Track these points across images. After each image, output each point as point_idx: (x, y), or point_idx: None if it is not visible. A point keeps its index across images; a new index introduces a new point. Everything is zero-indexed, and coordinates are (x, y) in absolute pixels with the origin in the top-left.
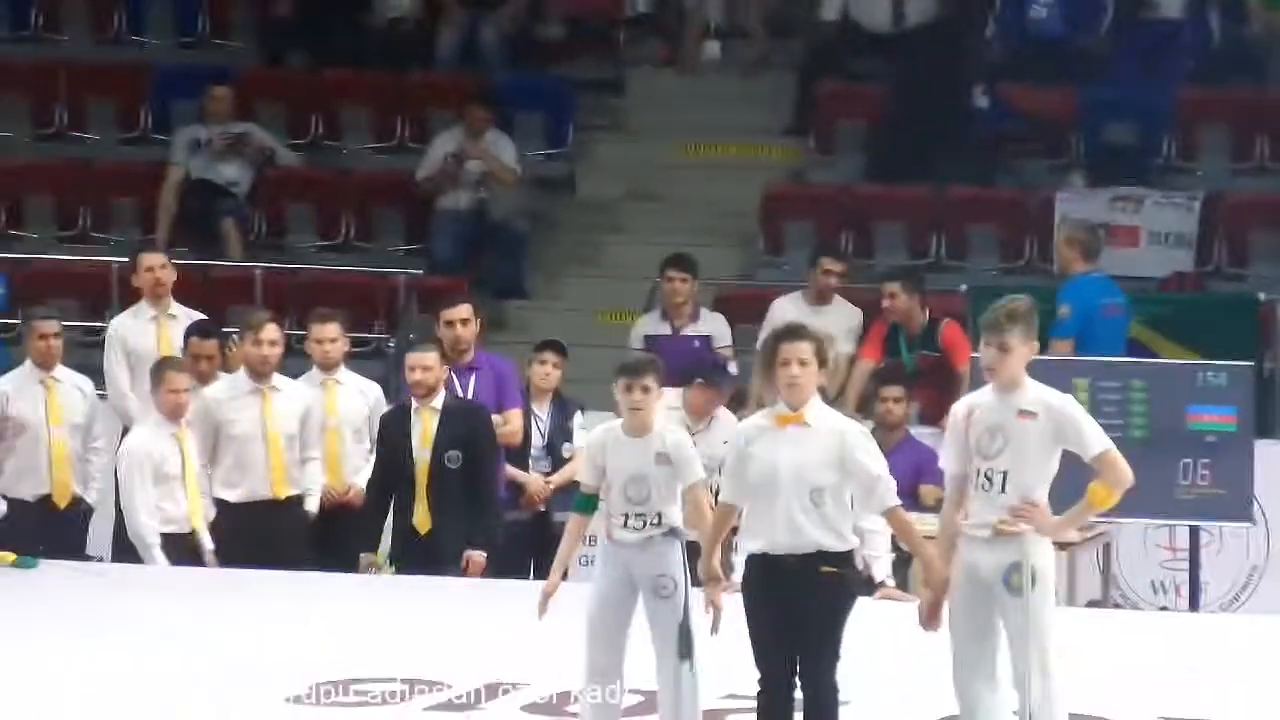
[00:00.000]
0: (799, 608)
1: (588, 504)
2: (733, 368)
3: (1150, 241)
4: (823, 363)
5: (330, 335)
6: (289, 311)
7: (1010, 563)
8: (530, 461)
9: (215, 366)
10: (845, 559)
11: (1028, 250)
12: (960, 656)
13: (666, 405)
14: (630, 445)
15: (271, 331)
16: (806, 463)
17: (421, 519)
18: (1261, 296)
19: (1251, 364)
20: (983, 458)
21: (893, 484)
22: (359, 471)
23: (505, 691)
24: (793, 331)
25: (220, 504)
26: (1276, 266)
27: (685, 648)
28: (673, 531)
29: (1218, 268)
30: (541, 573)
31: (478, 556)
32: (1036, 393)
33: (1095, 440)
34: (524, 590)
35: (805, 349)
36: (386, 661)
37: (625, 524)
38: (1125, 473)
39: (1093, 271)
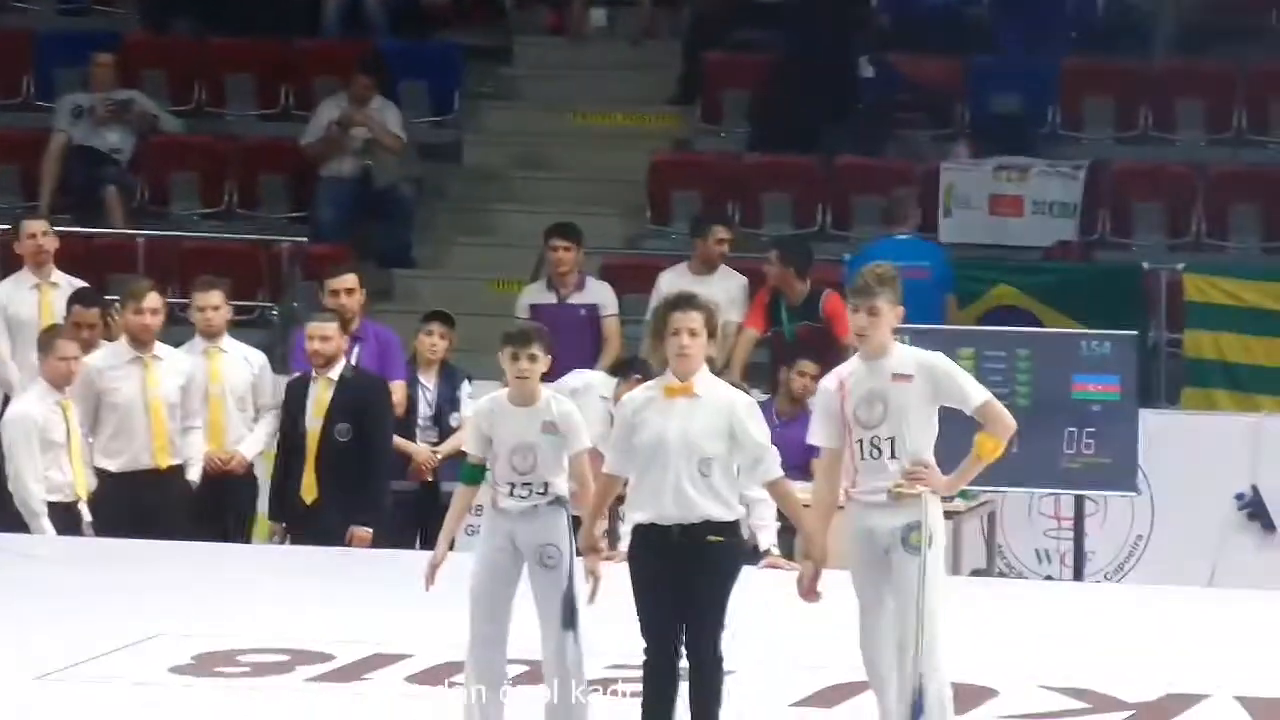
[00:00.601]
0: (686, 577)
1: (474, 474)
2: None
3: (1034, 211)
4: (712, 333)
5: (213, 303)
6: (172, 279)
7: (907, 522)
8: (417, 432)
9: (97, 335)
10: (732, 529)
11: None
12: (868, 627)
13: (599, 395)
14: (516, 414)
15: (153, 300)
16: (695, 433)
17: (308, 489)
18: (1145, 265)
19: (1135, 333)
20: (864, 427)
21: (778, 455)
22: (242, 440)
23: (389, 663)
24: (684, 301)
25: (101, 474)
26: (1160, 236)
27: (569, 617)
28: (558, 500)
29: (1102, 237)
30: (428, 543)
31: (362, 532)
32: (907, 354)
33: (975, 392)
34: (410, 561)
35: (696, 319)
36: (270, 632)
37: (511, 493)
38: (1009, 420)
39: (899, 234)
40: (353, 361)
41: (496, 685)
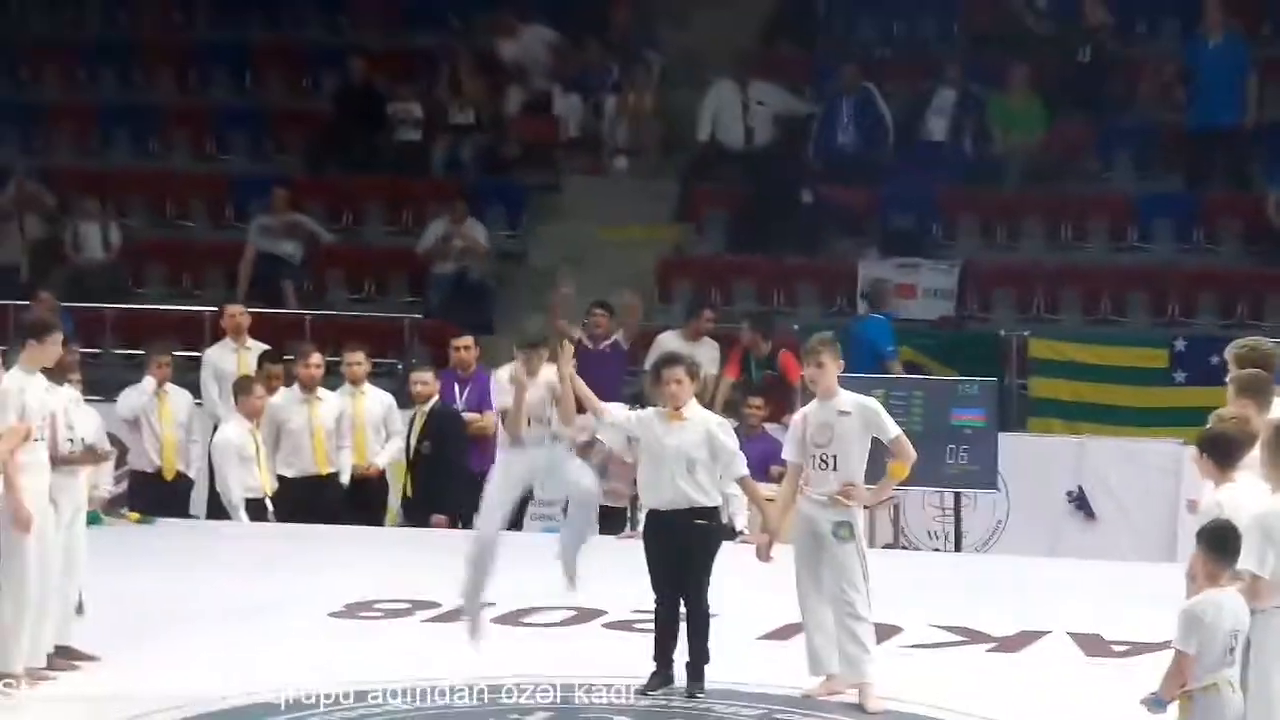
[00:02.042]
0: (681, 549)
1: None
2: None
3: (924, 294)
4: (693, 378)
5: (358, 359)
6: (329, 345)
7: (838, 520)
8: None
9: (279, 383)
10: (713, 513)
11: (839, 300)
12: (801, 582)
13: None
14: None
15: (316, 359)
16: (684, 443)
17: (407, 488)
18: (1001, 333)
19: (995, 379)
20: (816, 446)
21: (743, 458)
22: (377, 455)
23: (483, 609)
24: (671, 360)
25: (281, 479)
26: (1013, 311)
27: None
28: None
29: (971, 313)
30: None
31: (438, 518)
32: (849, 398)
33: (891, 427)
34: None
35: (680, 371)
36: (396, 588)
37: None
38: (911, 451)
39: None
40: (464, 394)
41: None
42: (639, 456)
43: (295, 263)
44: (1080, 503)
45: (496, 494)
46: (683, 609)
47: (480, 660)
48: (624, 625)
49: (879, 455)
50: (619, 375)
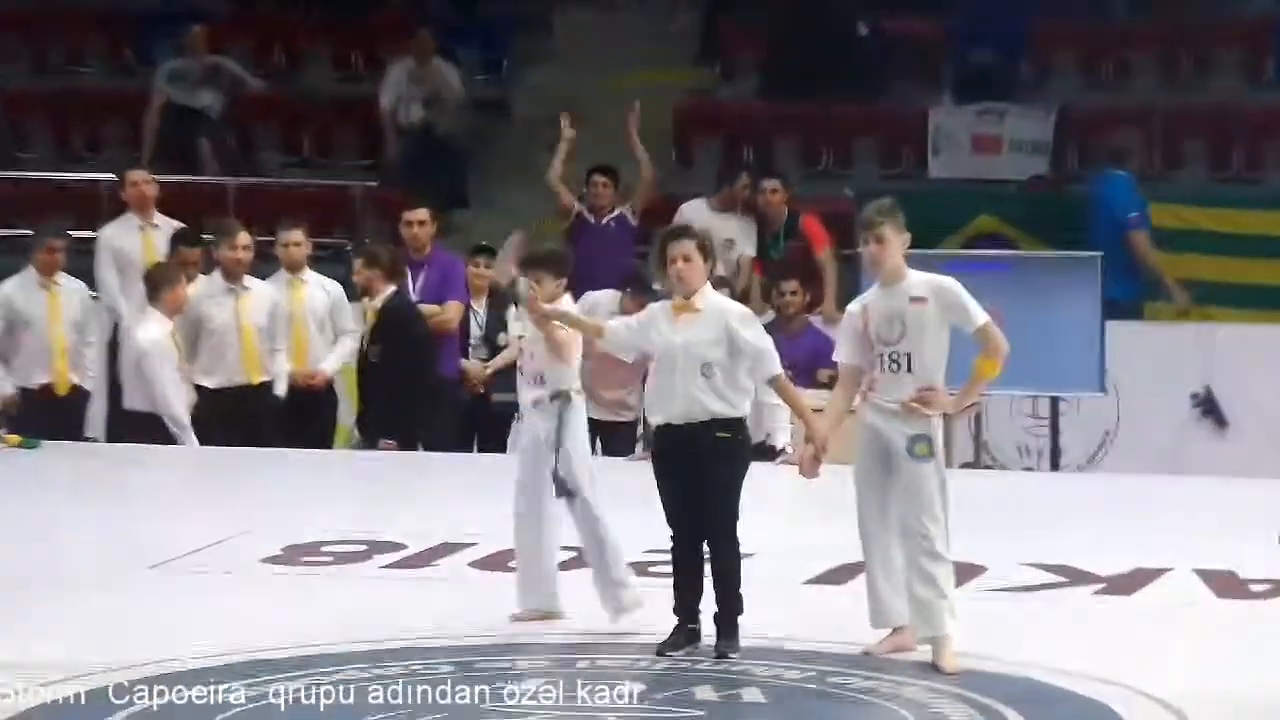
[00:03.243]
0: (698, 470)
1: None
2: (657, 285)
3: (1011, 149)
4: (706, 256)
5: (295, 239)
6: (258, 221)
7: (914, 434)
8: (469, 350)
9: (196, 271)
10: (737, 425)
11: (904, 159)
12: (864, 508)
13: (606, 311)
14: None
15: (244, 238)
16: (697, 342)
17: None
18: None
19: (1099, 254)
20: (885, 344)
21: (775, 355)
22: (322, 360)
23: (455, 551)
24: (678, 232)
25: (200, 390)
26: (1121, 169)
27: (561, 488)
28: (558, 396)
29: (1069, 172)
30: (484, 448)
31: (385, 442)
32: (921, 279)
33: (977, 314)
34: (468, 463)
35: (689, 246)
36: (349, 526)
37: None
38: (1003, 342)
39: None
40: (419, 283)
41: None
42: (623, 329)
43: (215, 117)
44: (1209, 407)
45: (518, 472)
46: (706, 548)
47: (459, 615)
48: (635, 569)
49: (957, 350)
50: (627, 256)
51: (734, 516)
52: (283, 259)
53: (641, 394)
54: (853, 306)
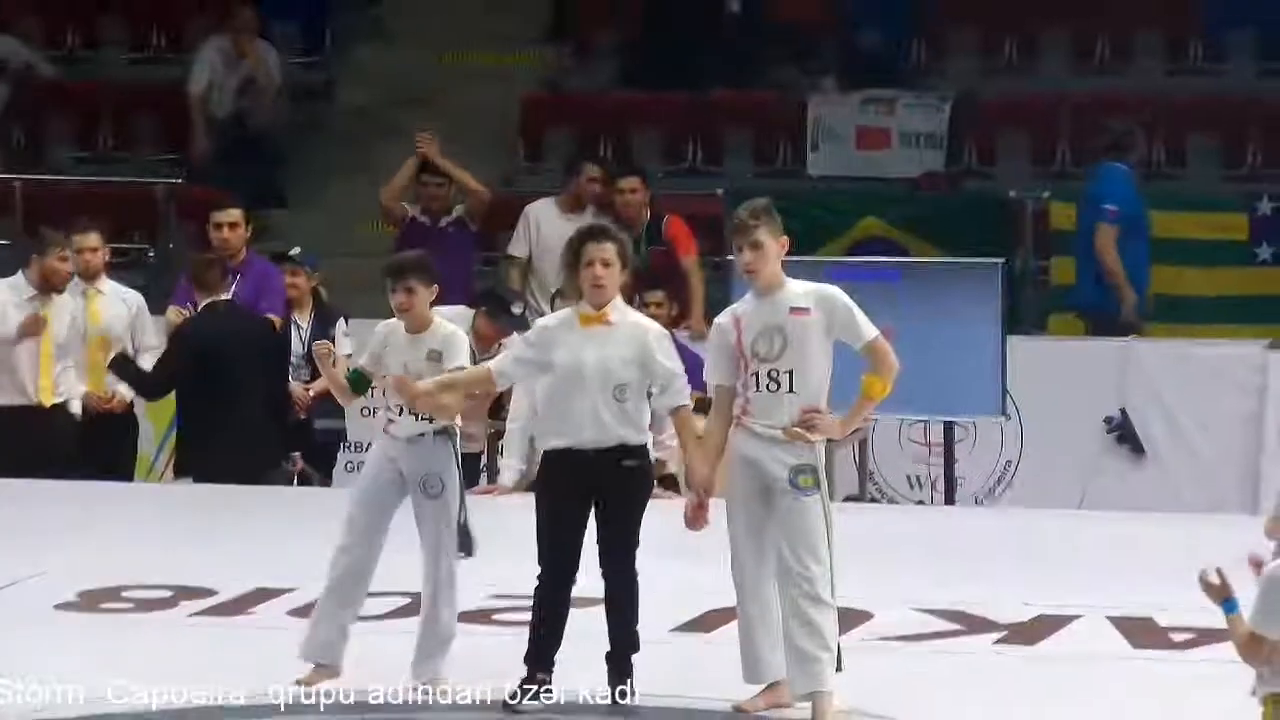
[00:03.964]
0: (601, 500)
1: (359, 381)
2: (516, 308)
3: (901, 143)
4: (624, 264)
5: (91, 245)
6: (50, 223)
7: (798, 464)
8: (291, 370)
9: None
10: (643, 451)
11: (782, 154)
12: (739, 549)
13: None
14: (407, 342)
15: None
16: (611, 360)
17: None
18: (1011, 194)
19: (1001, 261)
20: (762, 360)
21: (686, 383)
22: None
23: (272, 596)
24: (598, 232)
25: None
26: (1025, 165)
27: (466, 544)
28: (445, 431)
29: (968, 168)
30: (305, 479)
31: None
32: (803, 288)
33: (866, 328)
34: (287, 496)
35: (610, 250)
36: (154, 568)
37: (400, 415)
38: (893, 359)
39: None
40: (230, 293)
41: (352, 609)
42: (521, 356)
43: None
44: (1124, 433)
45: (360, 497)
46: (599, 580)
47: (276, 670)
48: (477, 617)
49: (840, 367)
50: (467, 263)
51: (634, 549)
52: (77, 267)
53: (486, 424)
54: (722, 319)
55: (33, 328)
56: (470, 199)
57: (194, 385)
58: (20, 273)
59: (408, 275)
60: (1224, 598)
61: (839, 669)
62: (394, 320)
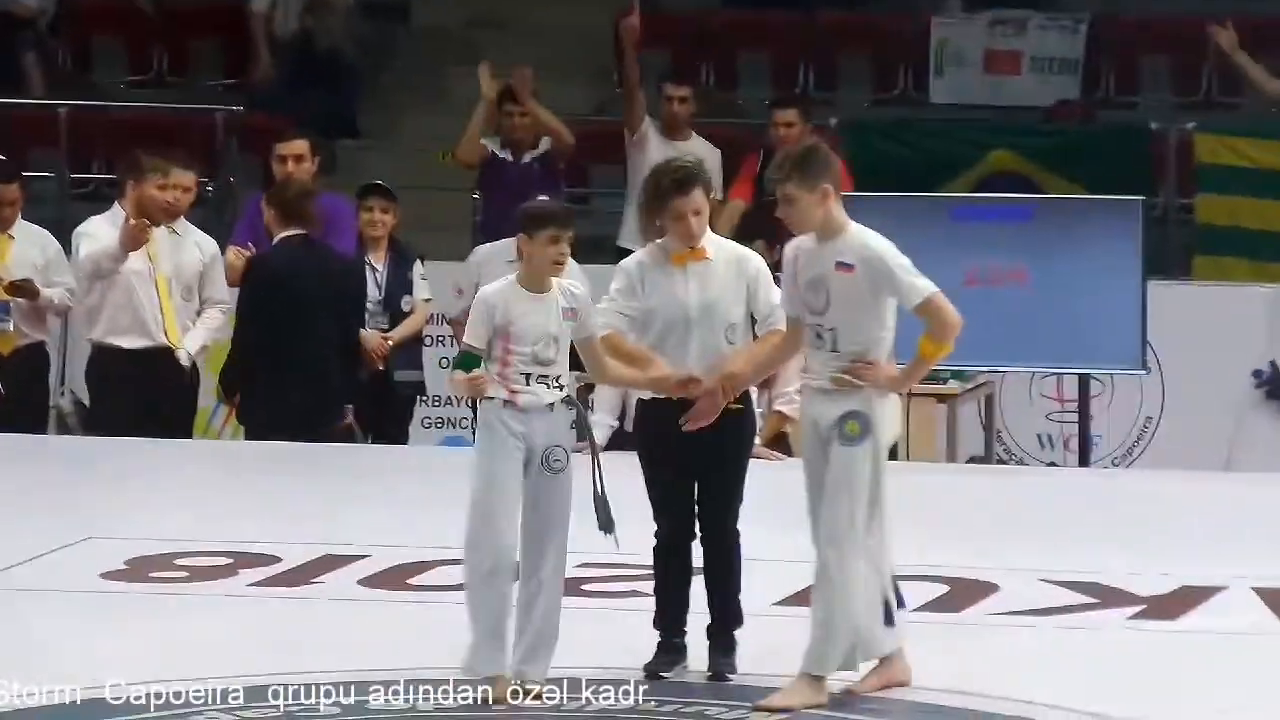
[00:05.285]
0: (705, 448)
1: (472, 362)
2: None
3: (1033, 68)
4: (709, 200)
5: (186, 184)
6: (98, 155)
7: (846, 410)
8: (367, 317)
9: (17, 211)
10: (747, 395)
11: (902, 80)
12: (814, 512)
13: (504, 261)
14: (535, 301)
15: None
16: (717, 299)
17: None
18: (1153, 125)
19: (1142, 199)
20: (811, 313)
21: (782, 315)
22: (188, 333)
23: (341, 564)
24: (685, 181)
25: (109, 351)
26: (1168, 94)
27: (606, 519)
28: (568, 399)
29: (1106, 95)
30: (381, 437)
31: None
32: (855, 241)
33: (912, 290)
34: (359, 455)
35: (698, 197)
36: (211, 532)
37: (527, 384)
38: (950, 319)
39: None
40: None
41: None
42: (624, 305)
43: (43, 24)
44: (1274, 387)
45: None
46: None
47: (348, 644)
48: (578, 587)
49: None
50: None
51: (739, 501)
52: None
53: (573, 377)
54: (788, 249)
55: (138, 234)
56: (555, 143)
57: (265, 326)
58: (115, 204)
59: (571, 225)
60: None
61: (889, 622)
62: (508, 279)
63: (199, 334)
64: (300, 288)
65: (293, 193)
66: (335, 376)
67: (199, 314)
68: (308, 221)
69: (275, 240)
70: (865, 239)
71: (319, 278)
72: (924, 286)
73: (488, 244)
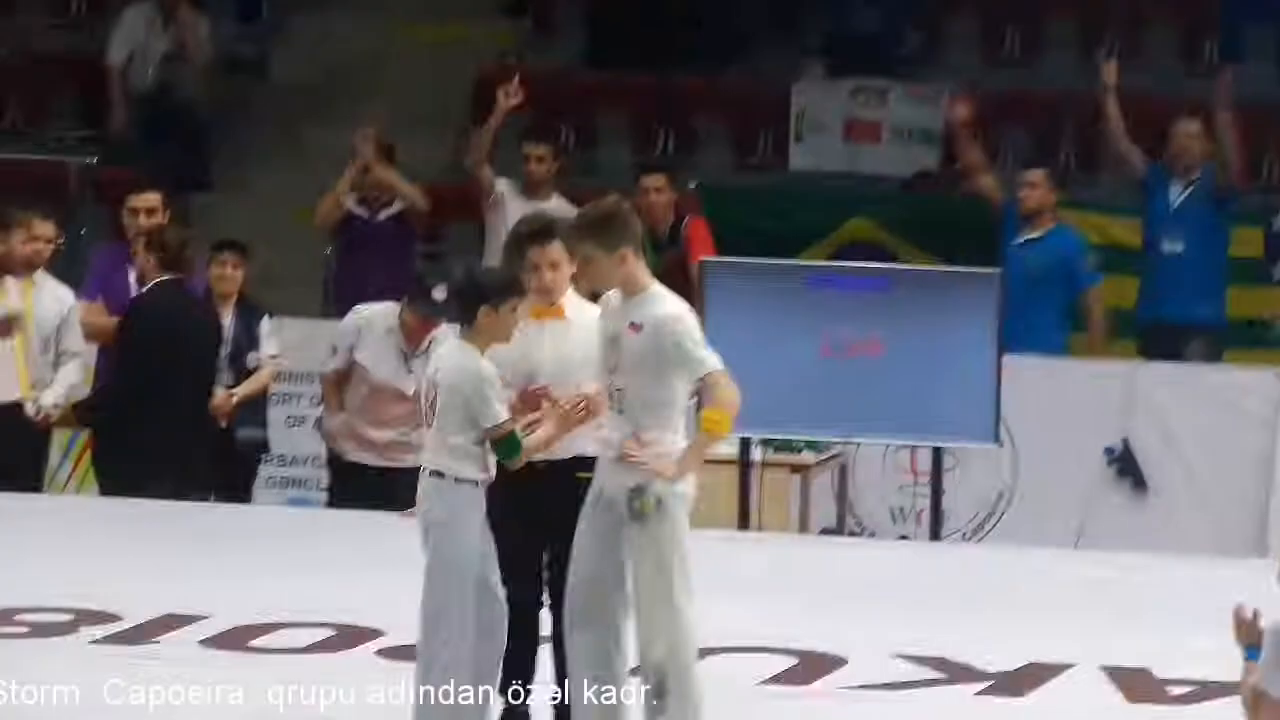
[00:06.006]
0: (554, 517)
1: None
2: (438, 293)
3: (893, 137)
4: (573, 254)
5: (48, 235)
6: None
7: (634, 485)
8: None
9: (49, 250)
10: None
11: (761, 146)
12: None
13: (386, 327)
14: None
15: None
16: (570, 362)
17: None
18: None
19: (998, 270)
20: (606, 370)
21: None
22: (46, 388)
23: (183, 624)
24: (541, 233)
25: None
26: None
27: None
28: None
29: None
30: (224, 496)
31: None
32: (650, 304)
33: (697, 363)
34: (208, 513)
35: (555, 250)
36: (54, 589)
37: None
38: (731, 395)
39: None
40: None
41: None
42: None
43: None
44: (1125, 465)
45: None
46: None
47: (185, 706)
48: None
49: None
50: (406, 261)
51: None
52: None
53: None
54: (601, 301)
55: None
56: (408, 208)
57: (138, 368)
58: None
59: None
60: (1249, 644)
61: None
62: (485, 360)
63: (57, 389)
64: (178, 331)
65: (175, 240)
66: (194, 436)
67: (54, 365)
68: (186, 269)
69: (150, 285)
70: (662, 304)
71: (193, 325)
72: (710, 361)
73: (368, 306)
